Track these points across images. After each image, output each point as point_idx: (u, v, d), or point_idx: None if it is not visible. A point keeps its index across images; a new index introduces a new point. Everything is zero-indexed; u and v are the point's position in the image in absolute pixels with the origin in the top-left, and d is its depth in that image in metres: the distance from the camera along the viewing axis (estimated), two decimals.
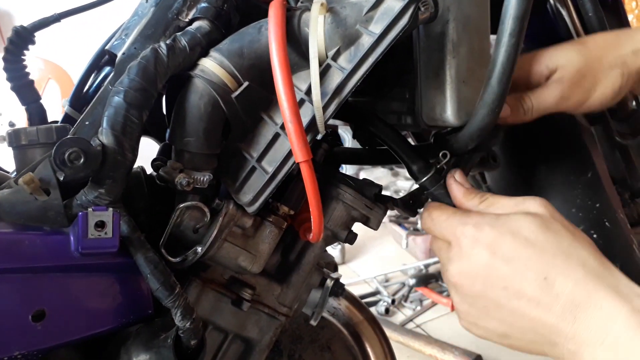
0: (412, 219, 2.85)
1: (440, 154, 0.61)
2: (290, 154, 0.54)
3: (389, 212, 2.75)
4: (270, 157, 0.56)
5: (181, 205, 0.55)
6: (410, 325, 2.07)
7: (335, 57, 0.54)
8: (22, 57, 0.60)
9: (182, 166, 0.55)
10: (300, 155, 0.51)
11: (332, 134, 0.90)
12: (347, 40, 0.53)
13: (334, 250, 2.62)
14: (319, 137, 0.68)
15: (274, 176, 0.55)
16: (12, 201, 0.48)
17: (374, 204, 0.71)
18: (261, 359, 0.72)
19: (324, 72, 0.54)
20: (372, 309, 2.16)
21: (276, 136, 0.56)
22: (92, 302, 0.50)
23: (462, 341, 1.88)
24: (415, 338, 1.88)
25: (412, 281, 2.26)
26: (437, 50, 0.60)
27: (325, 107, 0.53)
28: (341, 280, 0.78)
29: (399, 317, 2.13)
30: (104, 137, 0.49)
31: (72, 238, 0.47)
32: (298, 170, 0.61)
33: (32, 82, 0.61)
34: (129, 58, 0.55)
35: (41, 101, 0.61)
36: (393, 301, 2.18)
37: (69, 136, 0.48)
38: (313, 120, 0.54)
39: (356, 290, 2.29)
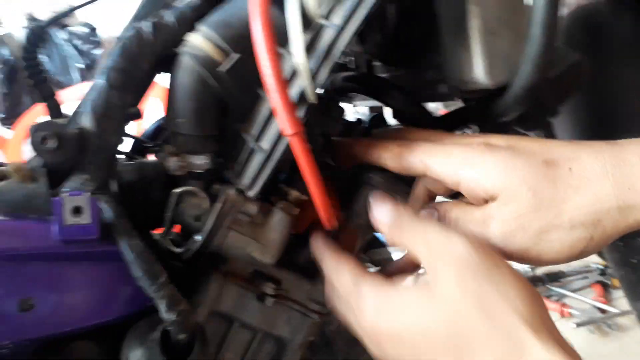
0: None
1: (465, 129, 0.52)
2: None
3: None
4: (267, 135, 0.51)
5: (175, 191, 0.52)
6: None
7: (329, 16, 0.48)
8: (37, 55, 0.62)
9: (177, 150, 0.52)
10: (287, 127, 0.45)
11: (377, 117, 0.83)
12: None
13: None
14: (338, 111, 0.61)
15: (270, 155, 0.50)
16: (2, 191, 0.48)
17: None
18: (295, 359, 0.66)
19: (317, 34, 0.48)
20: None
21: (272, 112, 0.51)
22: (83, 292, 0.48)
23: None
24: None
25: None
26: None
27: (316, 72, 0.47)
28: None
29: None
30: (85, 120, 0.47)
31: (53, 226, 0.46)
32: None
33: (46, 78, 0.62)
34: (118, 42, 0.53)
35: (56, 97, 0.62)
36: None
37: (45, 120, 0.47)
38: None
39: None
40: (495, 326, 0.40)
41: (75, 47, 4.07)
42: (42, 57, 3.86)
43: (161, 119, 0.82)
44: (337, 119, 0.57)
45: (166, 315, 0.46)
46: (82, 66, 4.05)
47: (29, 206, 0.47)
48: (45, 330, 0.46)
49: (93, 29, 4.13)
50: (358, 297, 0.49)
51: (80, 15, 4.02)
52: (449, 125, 0.64)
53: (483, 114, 0.59)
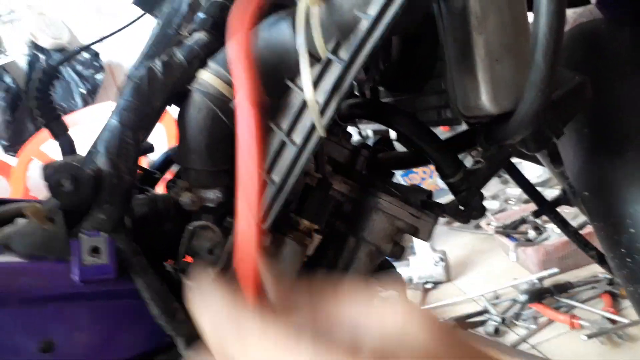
0: (522, 227, 2.62)
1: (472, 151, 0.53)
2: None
3: (494, 224, 2.47)
4: (278, 167, 0.52)
5: (189, 227, 0.52)
6: (525, 346, 1.87)
7: (335, 51, 0.49)
8: (50, 93, 0.63)
9: (190, 185, 0.53)
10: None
11: (383, 140, 0.84)
12: (344, 29, 0.48)
13: (436, 268, 2.47)
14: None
15: (281, 187, 0.51)
16: (22, 232, 0.48)
17: (421, 212, 0.64)
18: None
19: (326, 69, 0.49)
20: (480, 329, 2.00)
21: (282, 144, 0.52)
22: (103, 331, 0.49)
23: None
24: None
25: (523, 297, 2.05)
26: (461, 29, 0.52)
27: (325, 105, 0.47)
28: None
29: (510, 337, 1.94)
30: (99, 161, 0.48)
31: (72, 266, 0.46)
32: (317, 181, 0.56)
33: (60, 116, 0.63)
34: (130, 81, 0.54)
35: (69, 133, 0.63)
36: (503, 320, 1.99)
37: (59, 161, 0.47)
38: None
39: (463, 310, 2.14)
40: None
41: (78, 72, 4.10)
42: None
43: (170, 149, 0.83)
44: (343, 145, 0.58)
45: (185, 352, 0.46)
46: (85, 91, 4.07)
47: (47, 247, 0.48)
48: None
49: (95, 54, 4.16)
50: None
51: (82, 40, 4.07)
52: (455, 147, 0.64)
53: (488, 137, 0.59)
